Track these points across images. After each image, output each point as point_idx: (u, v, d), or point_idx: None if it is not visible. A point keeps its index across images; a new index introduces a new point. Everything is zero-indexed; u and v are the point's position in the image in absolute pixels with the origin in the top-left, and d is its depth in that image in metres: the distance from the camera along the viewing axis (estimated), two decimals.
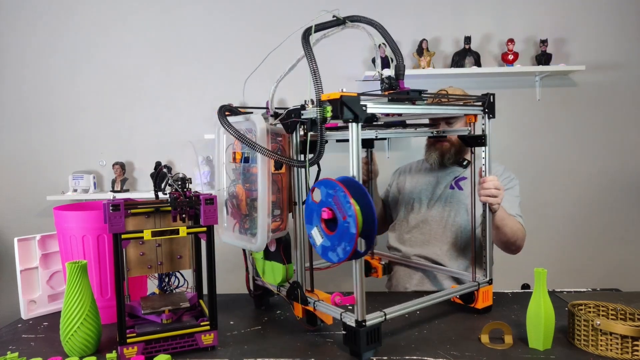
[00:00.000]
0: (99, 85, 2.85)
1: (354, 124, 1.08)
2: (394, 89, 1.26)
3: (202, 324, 1.22)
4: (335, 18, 1.25)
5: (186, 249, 1.35)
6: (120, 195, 2.69)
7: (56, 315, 1.43)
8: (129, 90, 2.85)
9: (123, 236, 1.14)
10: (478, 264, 1.60)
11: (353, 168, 1.10)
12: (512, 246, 1.69)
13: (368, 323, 1.13)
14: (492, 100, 1.41)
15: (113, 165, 2.79)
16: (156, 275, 1.35)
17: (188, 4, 2.82)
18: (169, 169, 1.27)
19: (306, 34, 1.19)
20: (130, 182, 2.87)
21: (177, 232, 1.19)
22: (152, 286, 1.41)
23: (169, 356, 1.13)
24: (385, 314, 1.18)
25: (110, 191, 2.77)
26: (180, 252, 1.34)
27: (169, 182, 1.23)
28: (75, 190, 2.76)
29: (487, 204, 1.47)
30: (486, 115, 1.42)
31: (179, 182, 1.21)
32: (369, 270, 1.78)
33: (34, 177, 2.87)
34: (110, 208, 1.11)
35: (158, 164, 1.32)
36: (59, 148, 2.87)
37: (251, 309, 1.54)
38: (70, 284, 1.20)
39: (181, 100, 2.86)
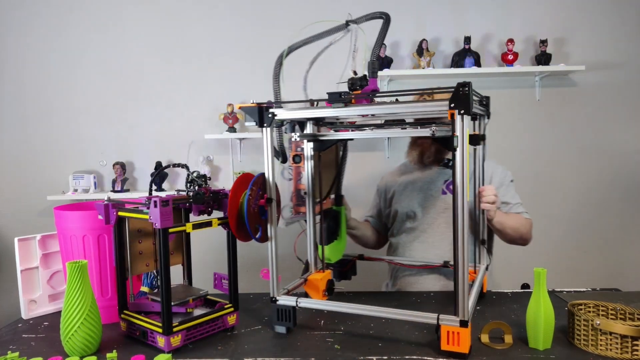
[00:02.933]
0: (99, 85, 2.85)
1: (263, 129, 1.28)
2: (361, 89, 1.23)
3: (225, 306, 1.34)
4: (345, 23, 1.30)
5: (177, 245, 1.42)
6: (121, 195, 2.69)
7: (56, 315, 1.43)
8: (129, 90, 2.86)
9: (170, 230, 1.19)
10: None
11: (267, 168, 1.29)
12: (518, 241, 1.71)
13: (281, 302, 1.32)
14: (465, 91, 1.05)
15: (113, 165, 2.79)
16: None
17: (188, 3, 2.83)
18: (187, 167, 1.34)
19: (280, 58, 1.28)
20: (131, 182, 2.87)
21: (210, 224, 1.27)
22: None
23: (169, 355, 1.13)
24: (297, 301, 1.30)
25: (111, 191, 2.77)
26: (172, 248, 1.39)
27: (190, 178, 1.32)
28: (75, 190, 2.76)
29: (485, 211, 1.52)
30: (457, 111, 1.08)
31: (202, 179, 1.31)
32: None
33: (34, 177, 2.87)
34: (162, 204, 1.15)
35: (158, 164, 1.33)
36: (59, 148, 2.87)
37: (251, 308, 1.54)
38: (71, 284, 1.20)
39: (181, 100, 2.86)
